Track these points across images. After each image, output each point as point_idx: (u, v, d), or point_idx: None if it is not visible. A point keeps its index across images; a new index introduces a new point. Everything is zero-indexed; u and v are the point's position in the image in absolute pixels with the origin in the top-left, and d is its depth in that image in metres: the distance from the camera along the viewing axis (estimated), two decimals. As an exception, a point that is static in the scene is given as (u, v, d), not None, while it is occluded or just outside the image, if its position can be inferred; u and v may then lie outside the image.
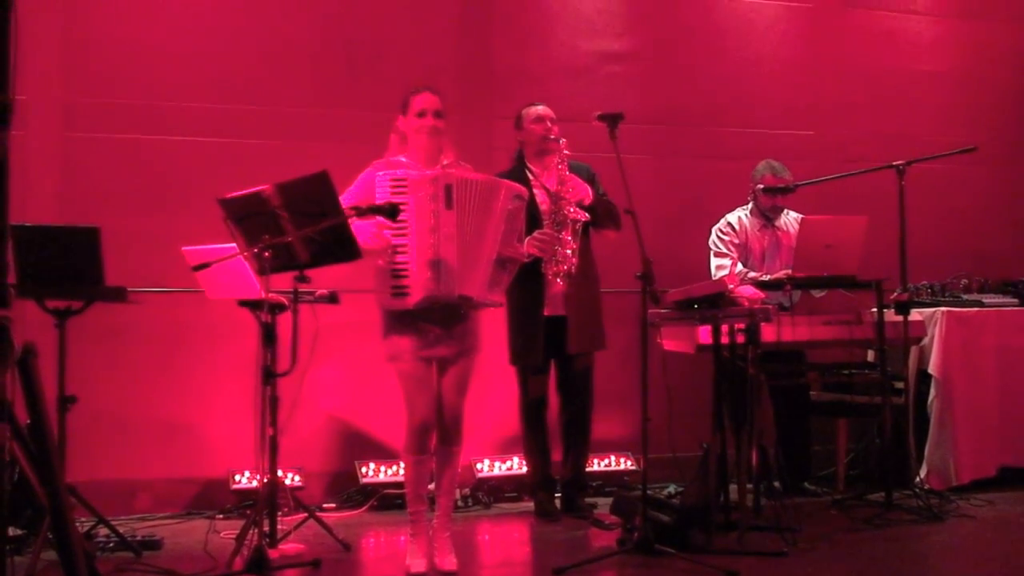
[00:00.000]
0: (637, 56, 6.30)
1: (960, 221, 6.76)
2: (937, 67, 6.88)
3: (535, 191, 5.03)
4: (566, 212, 4.87)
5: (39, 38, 5.11)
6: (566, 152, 4.96)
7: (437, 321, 4.05)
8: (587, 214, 4.92)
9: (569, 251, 4.85)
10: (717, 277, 5.52)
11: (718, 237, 5.67)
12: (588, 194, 5.02)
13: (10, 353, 1.82)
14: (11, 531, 4.09)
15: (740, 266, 5.57)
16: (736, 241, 5.64)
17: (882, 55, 6.78)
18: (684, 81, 6.37)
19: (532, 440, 5.30)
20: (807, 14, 6.67)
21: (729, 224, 5.69)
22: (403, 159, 4.18)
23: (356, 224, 3.95)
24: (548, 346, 5.16)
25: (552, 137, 5.07)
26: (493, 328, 5.25)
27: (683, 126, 6.34)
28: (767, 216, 5.68)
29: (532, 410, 5.27)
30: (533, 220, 4.88)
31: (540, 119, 5.21)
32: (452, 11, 5.99)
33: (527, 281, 4.82)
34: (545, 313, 5.11)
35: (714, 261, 5.66)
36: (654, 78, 6.31)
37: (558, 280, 4.86)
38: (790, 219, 5.72)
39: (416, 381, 4.06)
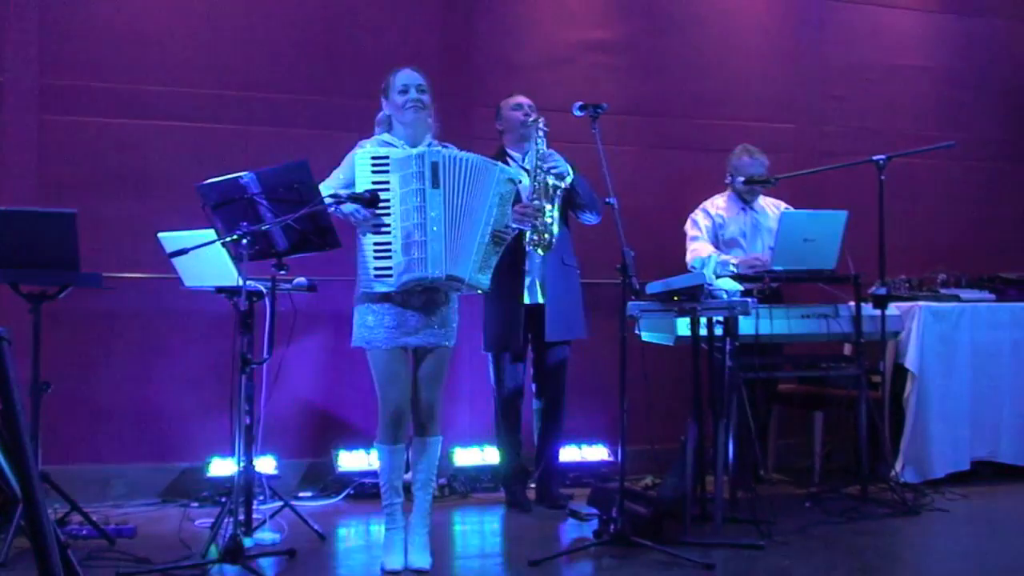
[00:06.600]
0: (619, 46, 6.28)
1: (939, 216, 6.79)
2: (920, 62, 6.89)
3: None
4: (546, 178, 4.84)
5: (16, 20, 5.04)
6: (545, 129, 4.93)
7: (416, 307, 3.96)
8: (566, 181, 4.90)
9: (549, 220, 4.82)
10: (690, 259, 5.57)
11: (692, 223, 5.71)
12: (568, 171, 4.97)
13: (-18, 340, 1.79)
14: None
15: (715, 254, 5.58)
16: (709, 226, 5.66)
17: (865, 49, 6.79)
18: (666, 72, 6.35)
19: (506, 431, 5.28)
20: (790, 6, 6.66)
21: (704, 211, 5.72)
22: (387, 136, 4.12)
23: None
24: (526, 334, 5.16)
25: (531, 119, 5.03)
26: (468, 314, 5.24)
27: (664, 117, 6.33)
28: (744, 199, 5.70)
29: (507, 401, 5.24)
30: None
31: (519, 105, 5.22)
32: (434, -2, 5.97)
33: (507, 269, 4.75)
34: (524, 301, 5.10)
35: (689, 245, 5.68)
36: (636, 69, 6.29)
37: (538, 251, 4.84)
38: (767, 202, 5.77)
39: (390, 369, 3.96)
